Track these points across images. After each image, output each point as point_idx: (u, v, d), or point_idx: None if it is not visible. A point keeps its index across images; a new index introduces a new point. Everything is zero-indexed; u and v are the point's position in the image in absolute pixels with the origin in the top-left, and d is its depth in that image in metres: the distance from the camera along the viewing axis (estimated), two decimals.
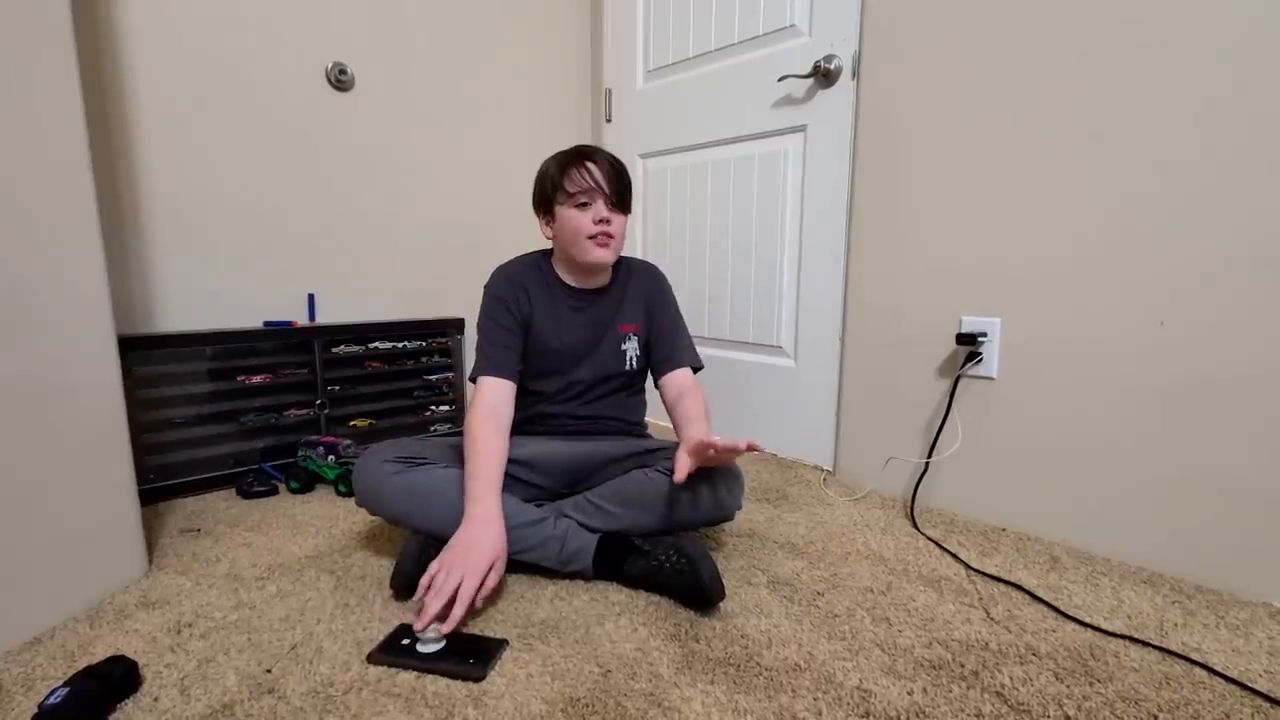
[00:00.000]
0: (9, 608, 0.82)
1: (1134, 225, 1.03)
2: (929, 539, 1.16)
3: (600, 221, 1.03)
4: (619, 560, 0.97)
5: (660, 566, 0.93)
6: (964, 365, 1.22)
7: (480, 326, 1.11)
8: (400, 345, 1.67)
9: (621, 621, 0.88)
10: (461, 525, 0.91)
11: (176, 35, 1.35)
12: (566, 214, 1.05)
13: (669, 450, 1.06)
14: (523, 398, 1.11)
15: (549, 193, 1.06)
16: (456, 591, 0.83)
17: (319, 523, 1.23)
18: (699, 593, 0.90)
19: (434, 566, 0.87)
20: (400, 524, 1.03)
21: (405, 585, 0.93)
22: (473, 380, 1.07)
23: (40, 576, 0.86)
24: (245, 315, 1.49)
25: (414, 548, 0.95)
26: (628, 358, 1.14)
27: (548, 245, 1.14)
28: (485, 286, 1.12)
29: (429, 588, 0.84)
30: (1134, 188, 1.02)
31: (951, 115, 1.22)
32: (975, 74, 1.18)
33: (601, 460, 1.10)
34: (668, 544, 0.95)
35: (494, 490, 0.95)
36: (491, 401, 1.03)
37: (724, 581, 0.92)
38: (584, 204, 1.03)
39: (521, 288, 1.10)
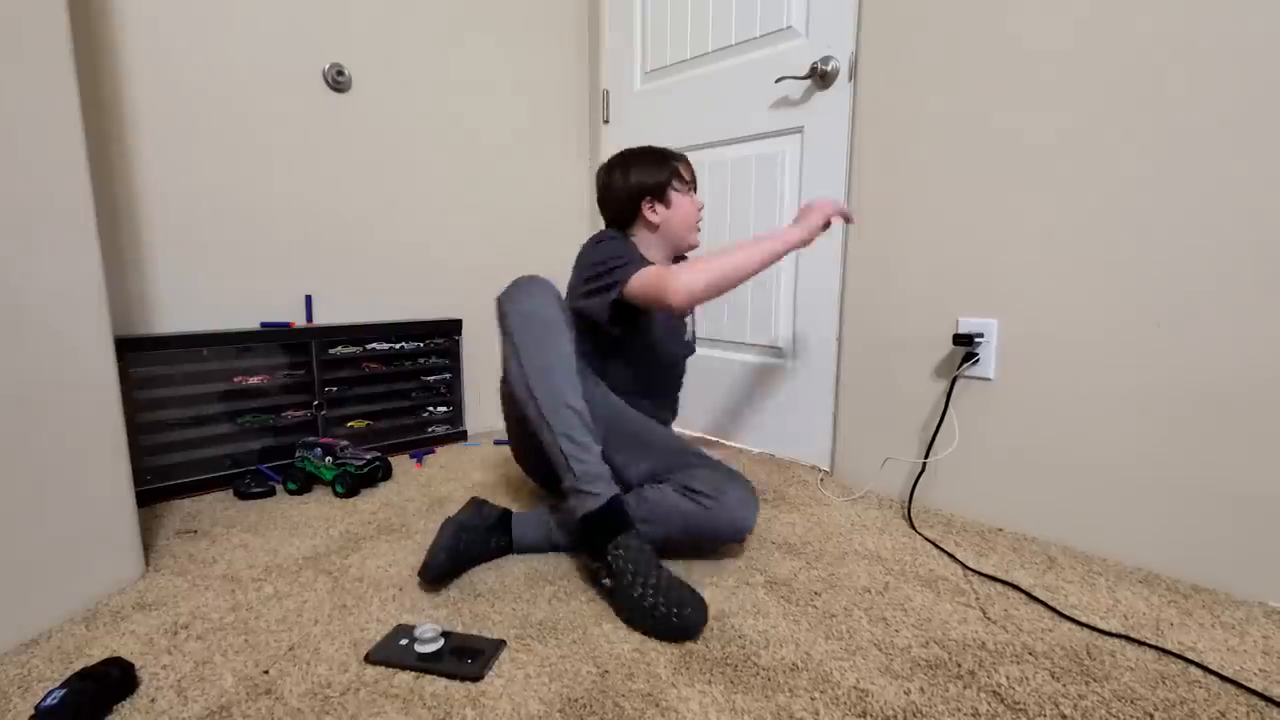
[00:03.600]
0: (5, 609, 0.82)
1: (1130, 227, 1.03)
2: (926, 539, 1.16)
3: (700, 208, 1.25)
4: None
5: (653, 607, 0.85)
6: (961, 366, 1.22)
7: (611, 259, 1.08)
8: (398, 346, 1.67)
9: (618, 622, 0.88)
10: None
11: (174, 36, 1.35)
12: (683, 199, 1.22)
13: (702, 470, 1.05)
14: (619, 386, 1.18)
15: (665, 179, 1.20)
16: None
17: (316, 524, 1.22)
18: (670, 635, 0.84)
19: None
20: (510, 348, 0.99)
21: (436, 577, 0.94)
22: (620, 288, 1.04)
23: (36, 578, 0.85)
24: (242, 316, 1.49)
25: (448, 537, 0.96)
26: (689, 330, 1.32)
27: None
28: (606, 237, 1.17)
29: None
30: (1130, 190, 1.03)
31: (948, 117, 1.22)
32: (972, 75, 1.18)
33: (648, 449, 1.10)
34: (667, 581, 0.87)
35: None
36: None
37: (721, 581, 0.92)
38: (693, 192, 1.23)
39: None
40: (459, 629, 0.86)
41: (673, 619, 0.82)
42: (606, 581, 0.91)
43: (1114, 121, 1.03)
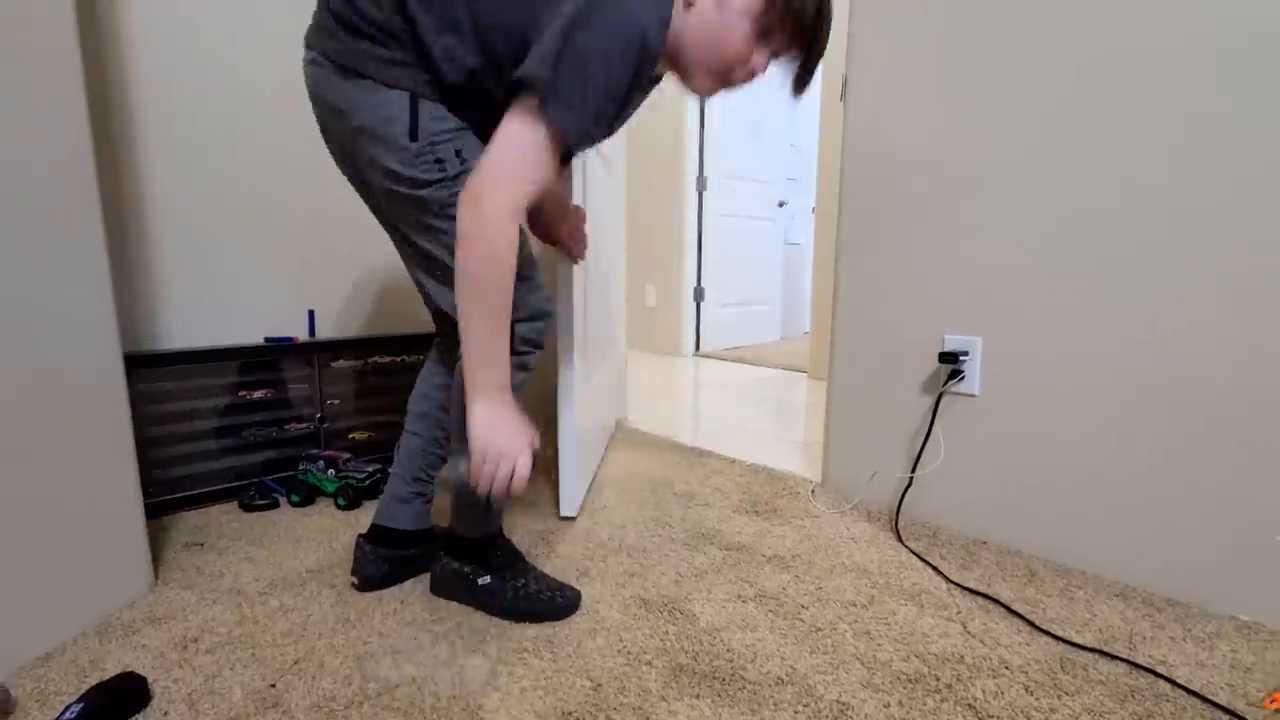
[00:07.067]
0: (22, 623, 0.85)
1: (1111, 246, 1.06)
2: (912, 552, 1.19)
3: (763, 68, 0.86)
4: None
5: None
6: (946, 382, 1.25)
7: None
8: (399, 359, 1.70)
9: (611, 637, 0.91)
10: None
11: (180, 51, 1.38)
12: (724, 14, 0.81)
13: None
14: None
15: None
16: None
17: (319, 536, 1.26)
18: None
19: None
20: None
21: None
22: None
23: (51, 592, 0.89)
24: (247, 331, 1.52)
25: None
26: None
27: None
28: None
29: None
30: (1110, 209, 1.06)
31: (935, 137, 1.25)
32: (958, 98, 1.22)
33: None
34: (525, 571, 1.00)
35: None
36: None
37: (714, 595, 0.95)
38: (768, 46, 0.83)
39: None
40: (458, 643, 0.89)
41: (558, 600, 0.97)
42: (486, 580, 0.97)
43: (1094, 142, 1.06)
